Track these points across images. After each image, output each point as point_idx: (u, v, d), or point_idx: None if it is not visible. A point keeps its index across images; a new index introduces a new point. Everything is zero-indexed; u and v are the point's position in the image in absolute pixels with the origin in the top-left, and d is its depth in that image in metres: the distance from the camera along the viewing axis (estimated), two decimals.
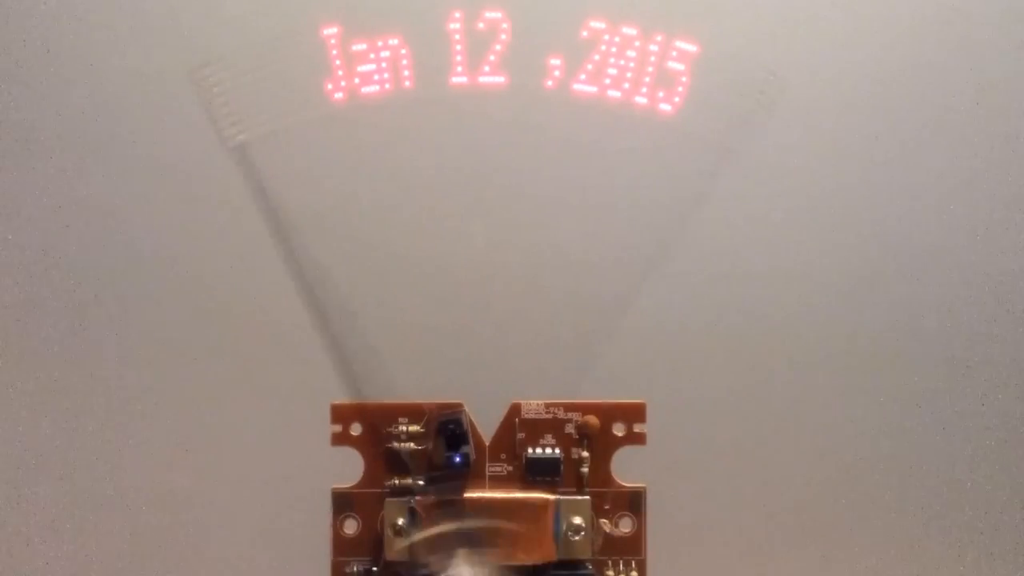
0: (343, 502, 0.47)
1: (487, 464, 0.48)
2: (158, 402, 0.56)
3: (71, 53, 0.56)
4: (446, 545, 0.46)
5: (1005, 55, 0.57)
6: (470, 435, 0.47)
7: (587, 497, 0.47)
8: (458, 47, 0.52)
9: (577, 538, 0.47)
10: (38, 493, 0.56)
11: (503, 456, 0.48)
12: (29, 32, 0.56)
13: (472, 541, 0.46)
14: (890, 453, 0.57)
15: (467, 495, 0.47)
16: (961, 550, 0.57)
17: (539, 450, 0.47)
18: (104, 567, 0.56)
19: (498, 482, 0.48)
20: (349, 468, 0.47)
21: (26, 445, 0.56)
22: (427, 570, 0.46)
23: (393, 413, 0.47)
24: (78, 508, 0.56)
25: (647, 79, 0.53)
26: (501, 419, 0.48)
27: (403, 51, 0.52)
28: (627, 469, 0.48)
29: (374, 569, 0.47)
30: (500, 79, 0.53)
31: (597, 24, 0.53)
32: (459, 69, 0.53)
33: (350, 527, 0.47)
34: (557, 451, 0.47)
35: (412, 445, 0.47)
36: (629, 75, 0.53)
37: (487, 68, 0.53)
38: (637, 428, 0.47)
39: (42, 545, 0.56)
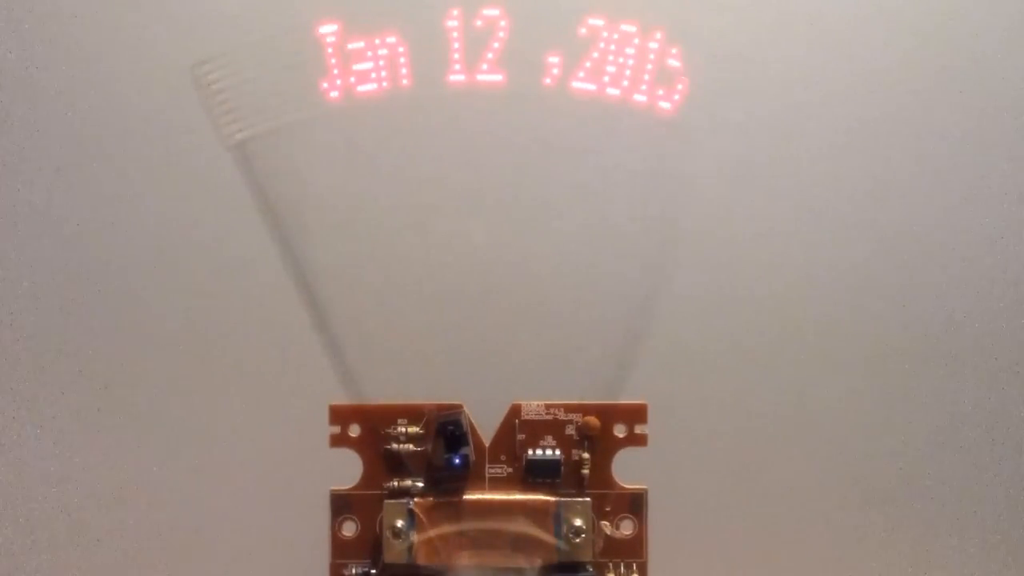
0: (341, 504, 0.47)
1: (487, 465, 0.47)
2: (155, 403, 0.56)
3: (67, 52, 0.56)
4: (446, 547, 0.46)
5: (1009, 52, 0.57)
6: (470, 436, 0.47)
7: (588, 499, 0.47)
8: (456, 45, 0.52)
9: (578, 540, 0.46)
10: (37, 495, 0.56)
11: (503, 457, 0.47)
12: (27, 31, 0.56)
13: (472, 543, 0.46)
14: (892, 454, 0.56)
15: (467, 497, 0.47)
16: (964, 551, 0.57)
17: (539, 451, 0.47)
18: (103, 569, 0.56)
19: (498, 484, 0.47)
20: (348, 470, 0.47)
21: (24, 446, 0.56)
22: (426, 573, 0.46)
23: (392, 414, 0.47)
24: (77, 510, 0.56)
25: (646, 77, 0.53)
26: (501, 420, 0.47)
27: (400, 49, 0.52)
28: (628, 471, 0.47)
29: (373, 572, 0.47)
30: (498, 77, 0.53)
31: (596, 21, 0.53)
32: (457, 67, 0.53)
33: (349, 529, 0.47)
34: (557, 452, 0.47)
35: (411, 446, 0.47)
36: (628, 73, 0.53)
37: (485, 66, 0.52)
38: (638, 429, 0.47)
39: (41, 547, 0.56)
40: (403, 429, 0.47)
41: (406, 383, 0.54)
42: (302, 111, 0.53)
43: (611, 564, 0.47)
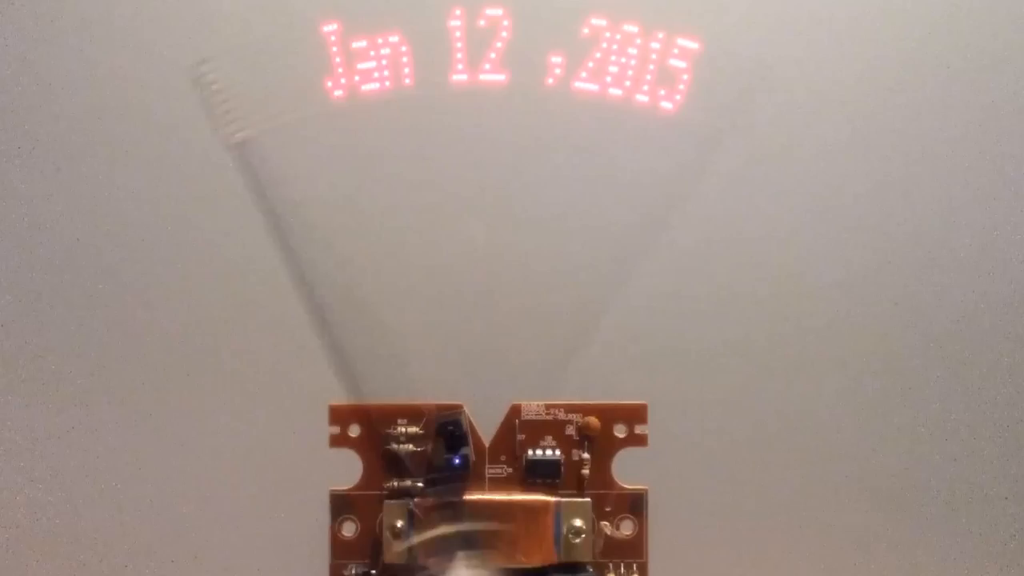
0: (341, 504, 0.47)
1: (487, 466, 0.47)
2: (155, 403, 0.56)
3: (69, 51, 0.56)
4: (446, 548, 0.46)
5: (1008, 52, 0.57)
6: (470, 436, 0.47)
7: (588, 499, 0.47)
8: (459, 44, 0.52)
9: (578, 541, 0.46)
10: (37, 495, 0.56)
11: (503, 458, 0.47)
12: (27, 31, 0.56)
13: (472, 544, 0.46)
14: (892, 454, 0.56)
15: (467, 497, 0.47)
16: (965, 552, 0.57)
17: (539, 452, 0.47)
18: (103, 569, 0.56)
19: (498, 484, 0.47)
20: (347, 470, 0.47)
21: (24, 446, 0.56)
22: (426, 573, 0.46)
23: (392, 414, 0.47)
24: (77, 510, 0.56)
25: (648, 77, 0.52)
26: (501, 420, 0.47)
27: (403, 48, 0.52)
28: (628, 471, 0.47)
29: (373, 572, 0.47)
30: (501, 77, 0.53)
31: (598, 21, 0.52)
32: (460, 67, 0.52)
33: (348, 530, 0.47)
34: (557, 453, 0.47)
35: (411, 447, 0.47)
36: (630, 73, 0.52)
37: (488, 66, 0.52)
38: (638, 429, 0.47)
39: (42, 547, 0.56)
40: (403, 429, 0.47)
41: (406, 383, 0.54)
42: (306, 110, 0.53)
43: (611, 564, 0.47)
